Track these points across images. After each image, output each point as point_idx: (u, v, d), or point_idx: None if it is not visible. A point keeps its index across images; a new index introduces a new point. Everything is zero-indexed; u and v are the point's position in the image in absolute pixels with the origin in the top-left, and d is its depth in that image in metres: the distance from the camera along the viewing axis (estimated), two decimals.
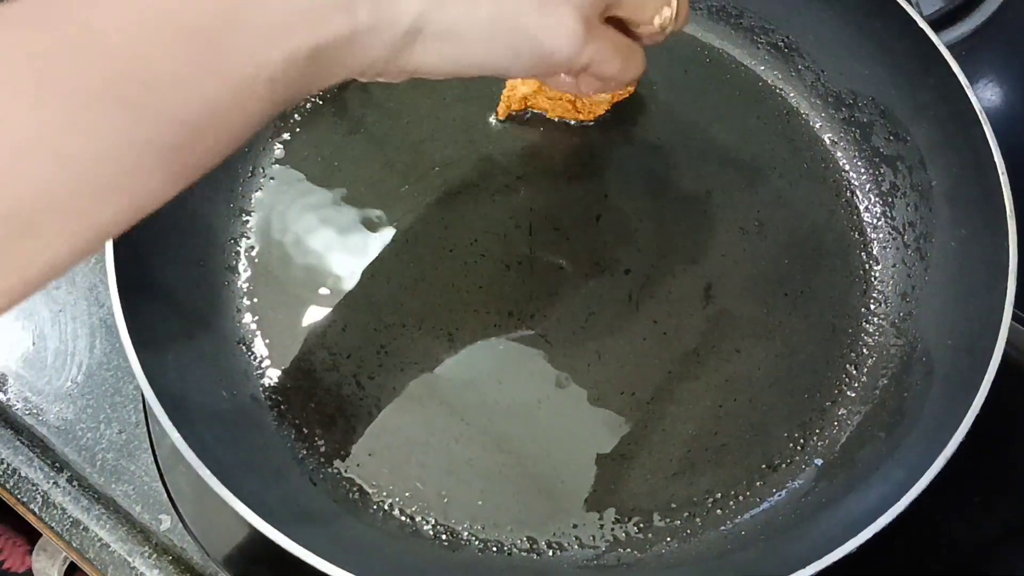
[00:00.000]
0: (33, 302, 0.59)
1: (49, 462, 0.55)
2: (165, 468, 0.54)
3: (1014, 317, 0.47)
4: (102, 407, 0.57)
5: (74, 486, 0.55)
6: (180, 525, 0.53)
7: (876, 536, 0.43)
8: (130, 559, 0.53)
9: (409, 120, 0.59)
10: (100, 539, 0.53)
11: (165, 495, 0.54)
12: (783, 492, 0.50)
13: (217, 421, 0.48)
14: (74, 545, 0.53)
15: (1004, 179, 0.49)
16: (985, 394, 0.45)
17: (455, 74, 0.40)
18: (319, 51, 0.34)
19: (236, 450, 0.47)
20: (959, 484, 0.49)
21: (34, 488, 0.54)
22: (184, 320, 0.51)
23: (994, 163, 0.50)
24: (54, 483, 0.55)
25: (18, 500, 0.55)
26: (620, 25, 0.44)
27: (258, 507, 0.41)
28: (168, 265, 0.52)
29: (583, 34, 0.39)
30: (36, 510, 0.54)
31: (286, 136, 0.59)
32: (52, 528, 0.54)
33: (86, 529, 0.54)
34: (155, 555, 0.53)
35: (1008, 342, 0.46)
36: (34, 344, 0.58)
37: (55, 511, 0.54)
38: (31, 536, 0.71)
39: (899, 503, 0.43)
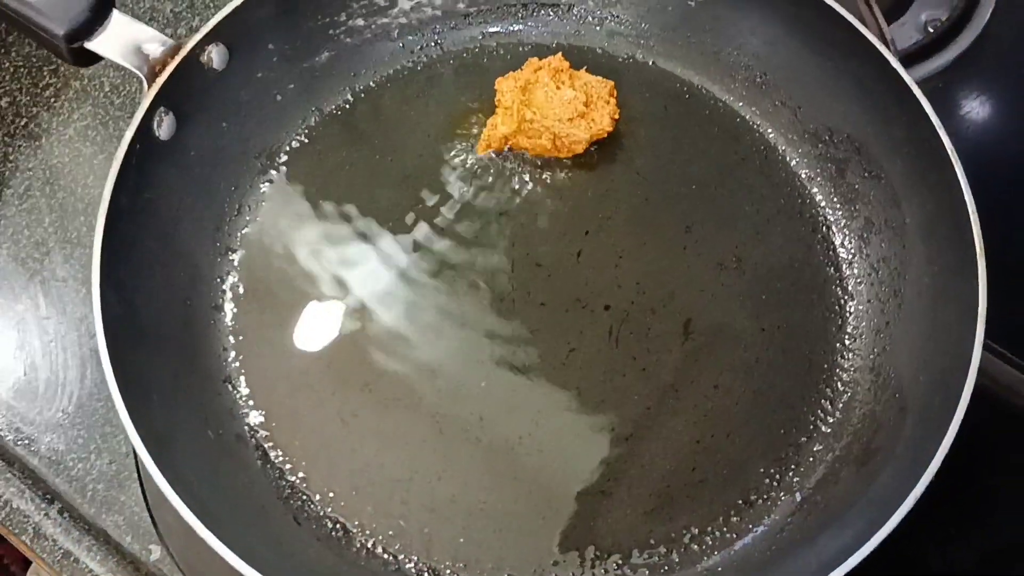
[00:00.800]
0: (25, 332, 0.60)
1: (40, 493, 0.56)
2: (152, 501, 0.55)
3: (986, 347, 0.48)
4: (93, 438, 0.57)
5: (65, 517, 0.55)
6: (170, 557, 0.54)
7: (852, 571, 0.43)
8: None
9: (393, 158, 0.60)
10: (91, 570, 0.54)
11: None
12: (759, 528, 0.51)
13: (202, 460, 0.49)
14: None
15: (974, 217, 0.50)
16: (956, 431, 0.46)
17: None
18: None
19: (220, 489, 0.48)
20: (936, 515, 0.49)
21: (25, 519, 0.55)
22: (170, 359, 0.52)
23: (964, 201, 0.50)
24: (45, 514, 0.55)
25: (10, 531, 0.55)
26: None
27: (241, 550, 0.42)
28: (154, 304, 0.52)
29: None
30: (28, 541, 0.55)
31: (272, 174, 0.60)
32: (43, 559, 0.54)
33: (77, 560, 0.54)
34: None
35: (981, 371, 0.47)
36: (25, 374, 0.59)
37: (46, 542, 0.54)
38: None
39: (872, 539, 0.44)
